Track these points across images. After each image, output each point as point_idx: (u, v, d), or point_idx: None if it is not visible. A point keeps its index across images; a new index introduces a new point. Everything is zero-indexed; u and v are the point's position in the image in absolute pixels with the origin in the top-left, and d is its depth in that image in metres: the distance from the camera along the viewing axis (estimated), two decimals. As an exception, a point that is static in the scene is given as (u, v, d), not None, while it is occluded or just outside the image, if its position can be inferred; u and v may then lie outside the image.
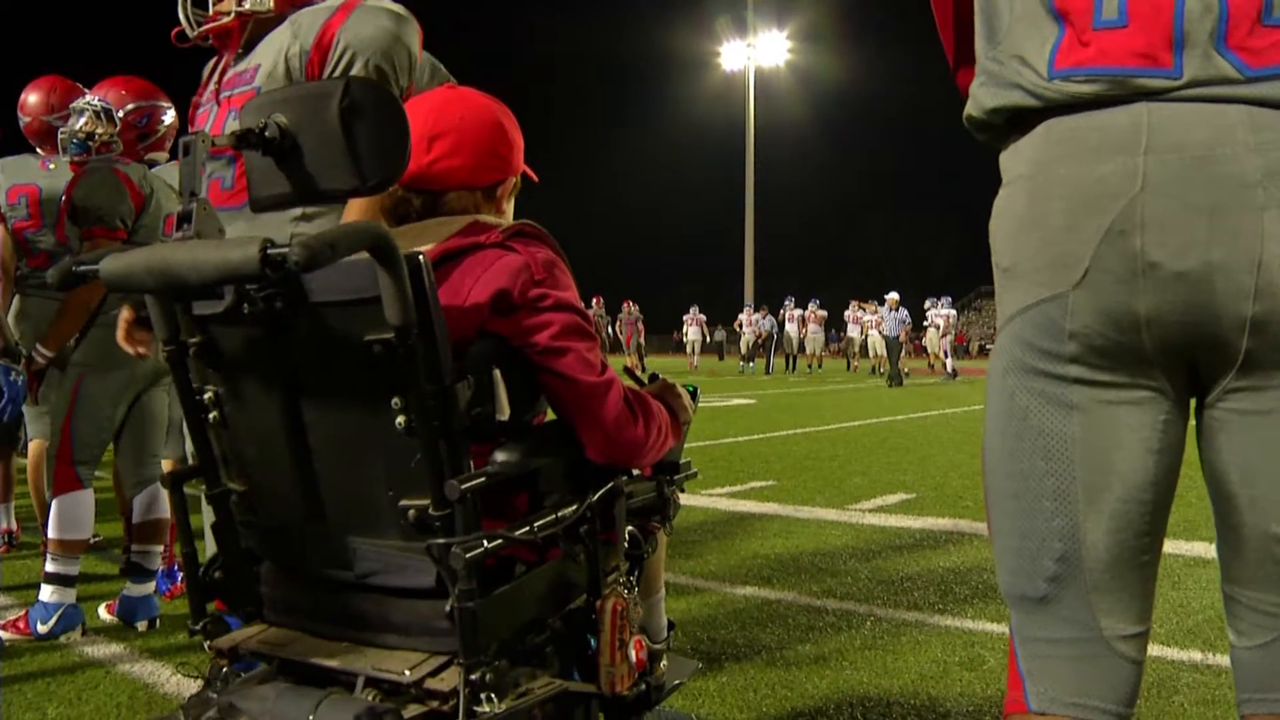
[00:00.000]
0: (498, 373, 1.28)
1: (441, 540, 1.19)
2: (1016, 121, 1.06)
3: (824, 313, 24.42)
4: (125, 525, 3.41)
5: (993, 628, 2.93)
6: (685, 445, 1.72)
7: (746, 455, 7.22)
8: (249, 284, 1.21)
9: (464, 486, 1.18)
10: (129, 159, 3.27)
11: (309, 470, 1.31)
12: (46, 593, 2.91)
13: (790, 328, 24.57)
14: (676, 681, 1.71)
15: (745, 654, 2.71)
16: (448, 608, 1.19)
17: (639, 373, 1.82)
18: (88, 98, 3.28)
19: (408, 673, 1.22)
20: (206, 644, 1.38)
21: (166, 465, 3.33)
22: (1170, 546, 3.79)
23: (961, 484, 5.72)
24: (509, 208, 1.55)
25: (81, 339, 3.07)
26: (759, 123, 39.15)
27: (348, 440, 1.28)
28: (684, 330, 26.69)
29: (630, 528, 1.52)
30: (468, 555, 1.16)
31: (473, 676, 1.18)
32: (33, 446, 3.75)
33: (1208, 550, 3.78)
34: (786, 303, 24.83)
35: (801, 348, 24.63)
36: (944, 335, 20.66)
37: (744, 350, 25.24)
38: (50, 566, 2.95)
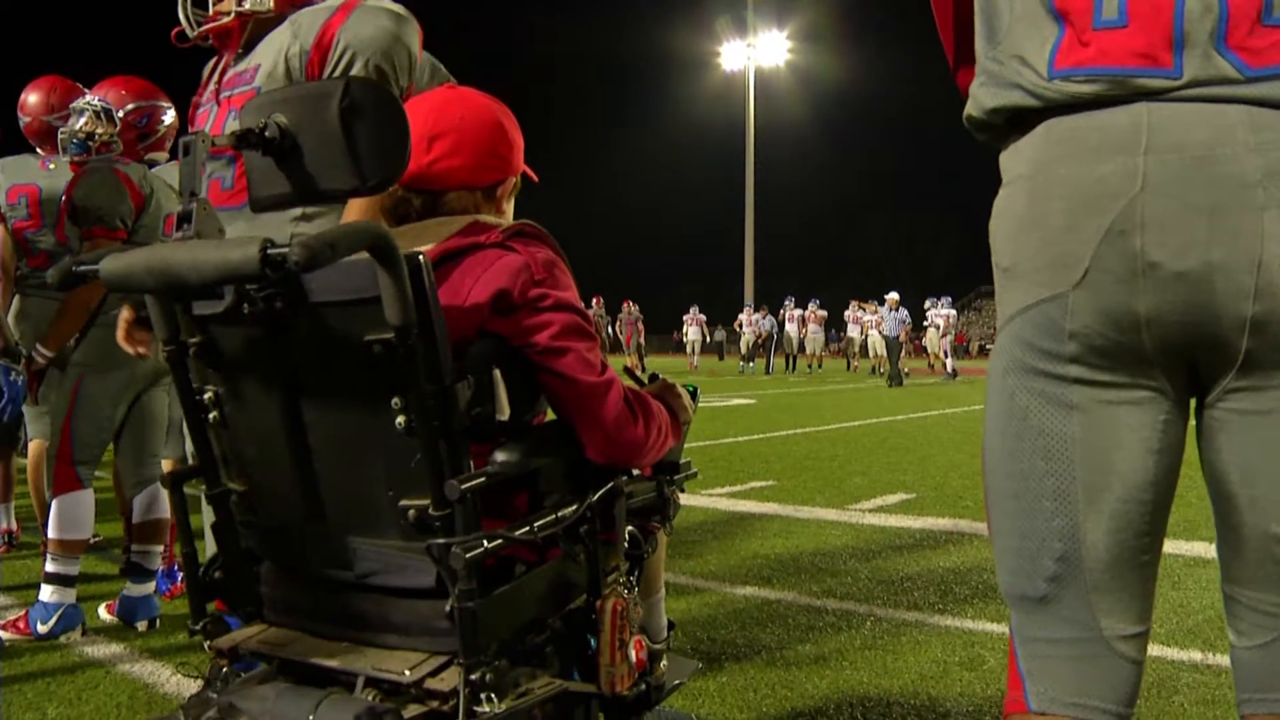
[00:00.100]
0: (498, 373, 1.28)
1: (441, 540, 1.19)
2: (1016, 121, 1.06)
3: (824, 313, 24.43)
4: (125, 525, 3.41)
5: (993, 628, 2.93)
6: (685, 445, 1.72)
7: (746, 455, 7.22)
8: (249, 284, 1.21)
9: (464, 486, 1.18)
10: (129, 159, 3.27)
11: (309, 470, 1.31)
12: (46, 593, 2.91)
13: (790, 328, 24.57)
14: (676, 681, 1.71)
15: (745, 654, 2.71)
16: (448, 608, 1.19)
17: (639, 373, 1.82)
18: (88, 98, 3.28)
19: (408, 673, 1.22)
20: (206, 644, 1.38)
21: (166, 465, 3.33)
22: (1170, 546, 3.79)
23: (961, 484, 5.72)
24: (509, 208, 1.55)
25: (81, 339, 3.07)
26: (759, 123, 39.20)
27: (348, 440, 1.28)
28: (684, 330, 26.70)
29: (630, 528, 1.52)
30: (468, 555, 1.16)
31: (473, 676, 1.18)
32: (33, 446, 3.75)
33: (1208, 550, 3.78)
34: (786, 303, 24.83)
35: (801, 348, 24.63)
36: (944, 335, 20.67)
37: (744, 350, 25.24)
38: (50, 566, 2.95)
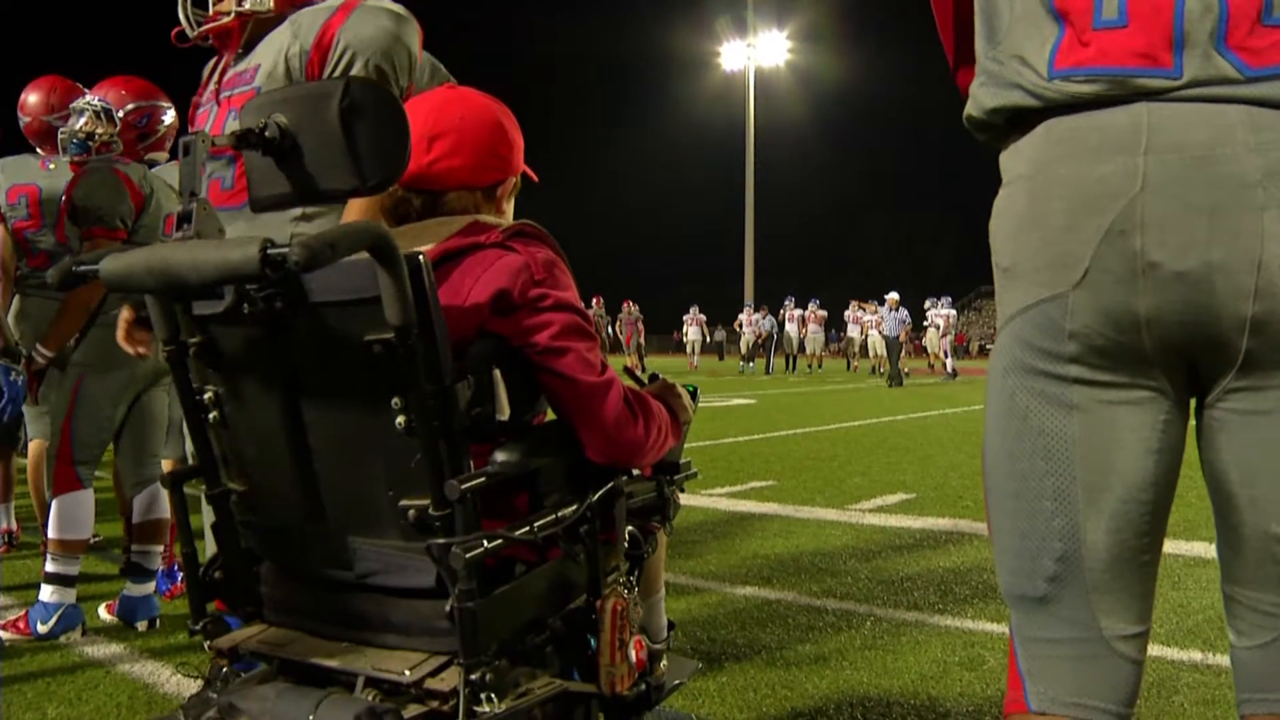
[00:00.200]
0: (498, 373, 1.28)
1: (441, 540, 1.19)
2: (1016, 121, 1.06)
3: (824, 313, 24.43)
4: (125, 525, 3.42)
5: (993, 628, 2.93)
6: (685, 445, 1.72)
7: (746, 455, 7.22)
8: (249, 284, 1.21)
9: (464, 486, 1.18)
10: (129, 159, 3.27)
11: (309, 470, 1.31)
12: (46, 593, 2.91)
13: (790, 328, 24.58)
14: (676, 681, 1.71)
15: (745, 654, 2.71)
16: (448, 608, 1.19)
17: (639, 373, 1.82)
18: (88, 98, 3.28)
19: (408, 673, 1.22)
20: (206, 644, 1.38)
21: (166, 465, 3.33)
22: (1170, 546, 3.79)
23: (961, 484, 5.72)
24: (509, 208, 1.55)
25: (81, 339, 3.07)
26: (759, 123, 39.20)
27: (348, 440, 1.28)
28: (684, 330, 26.70)
29: (630, 528, 1.52)
30: (468, 555, 1.16)
31: (473, 676, 1.18)
32: (33, 446, 3.75)
33: (1208, 550, 3.78)
34: (786, 303, 24.84)
35: (801, 348, 24.63)
36: (944, 335, 20.67)
37: (744, 350, 25.24)
38: (50, 566, 2.95)
